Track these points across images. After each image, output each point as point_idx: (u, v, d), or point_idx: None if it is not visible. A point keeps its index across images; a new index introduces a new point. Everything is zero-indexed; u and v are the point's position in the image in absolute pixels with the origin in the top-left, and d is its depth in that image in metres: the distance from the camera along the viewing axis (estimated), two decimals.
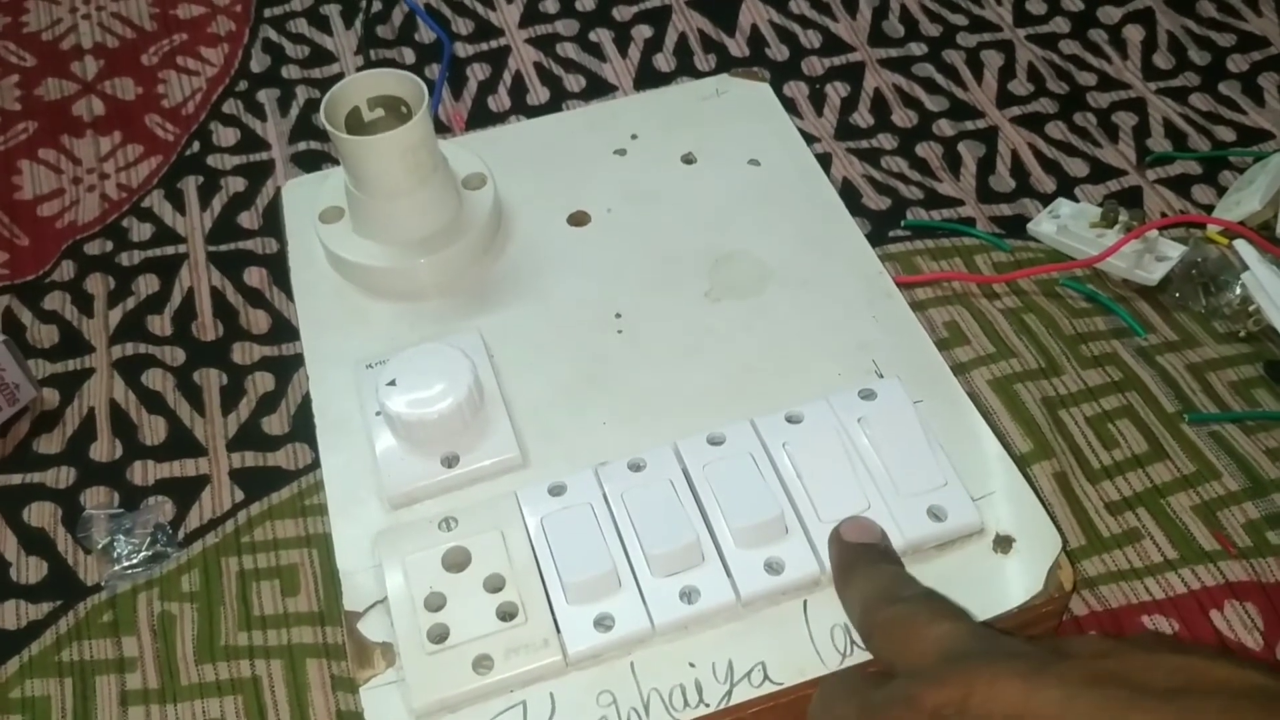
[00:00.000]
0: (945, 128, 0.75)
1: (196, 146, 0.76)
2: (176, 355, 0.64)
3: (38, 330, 0.66)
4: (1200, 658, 0.23)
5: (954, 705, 0.24)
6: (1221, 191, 0.70)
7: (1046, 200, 0.70)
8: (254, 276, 0.68)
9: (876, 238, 0.67)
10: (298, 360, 0.63)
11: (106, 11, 0.86)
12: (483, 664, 0.38)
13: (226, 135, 0.77)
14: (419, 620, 0.39)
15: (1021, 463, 0.54)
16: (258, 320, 0.66)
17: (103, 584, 0.55)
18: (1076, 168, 0.72)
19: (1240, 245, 0.63)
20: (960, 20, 0.82)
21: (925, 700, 0.25)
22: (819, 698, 0.31)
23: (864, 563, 0.35)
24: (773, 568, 0.39)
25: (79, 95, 0.81)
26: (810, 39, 0.81)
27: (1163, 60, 0.78)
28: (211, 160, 0.75)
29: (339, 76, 0.80)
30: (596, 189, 0.54)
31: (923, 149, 0.73)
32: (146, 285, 0.68)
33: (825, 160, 0.72)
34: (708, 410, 0.44)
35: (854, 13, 0.83)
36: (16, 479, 0.59)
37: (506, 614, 0.39)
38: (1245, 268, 0.62)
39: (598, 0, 0.85)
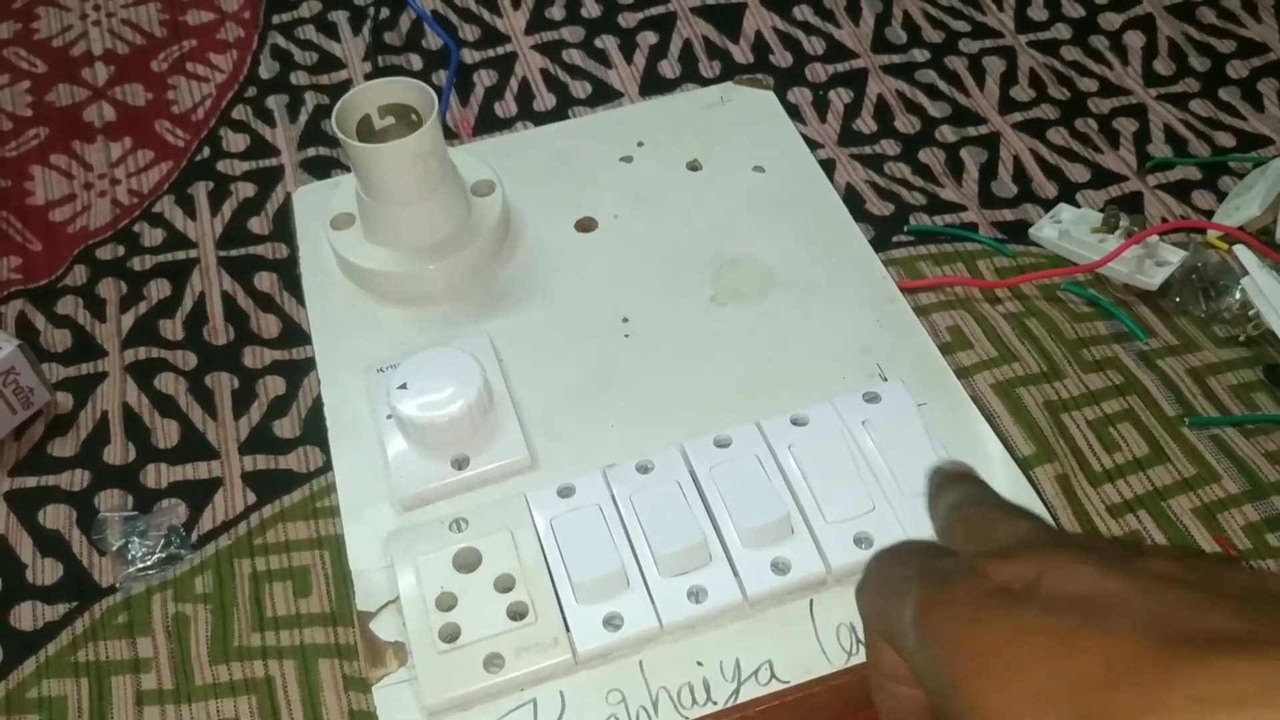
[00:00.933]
0: (948, 133, 0.75)
1: (206, 152, 0.77)
2: (188, 359, 0.65)
3: (51, 335, 0.67)
4: (1274, 575, 0.23)
5: (1023, 582, 0.23)
6: (1221, 197, 0.70)
7: (1048, 205, 0.70)
8: (264, 281, 0.69)
9: (880, 243, 0.68)
10: (308, 364, 0.64)
11: (117, 18, 0.87)
12: (493, 663, 0.38)
13: (236, 141, 0.77)
14: (430, 620, 0.39)
15: (1024, 465, 0.55)
16: (268, 325, 0.66)
17: (117, 585, 0.55)
18: (1078, 173, 0.72)
19: (1240, 250, 0.64)
20: (962, 27, 0.82)
21: (994, 573, 0.24)
22: (873, 563, 0.30)
23: (965, 481, 0.35)
24: (779, 568, 0.39)
25: (90, 101, 0.81)
26: (814, 45, 0.82)
27: (1163, 66, 0.79)
28: (221, 166, 0.76)
29: (347, 82, 0.81)
30: (603, 195, 0.54)
31: (925, 155, 0.74)
32: (158, 290, 0.69)
33: (829, 166, 0.73)
34: (714, 413, 0.45)
35: (857, 19, 0.83)
36: (31, 482, 0.60)
37: (517, 613, 0.39)
38: (1245, 272, 0.63)
39: (603, 7, 0.85)
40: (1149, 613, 0.21)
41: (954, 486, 0.35)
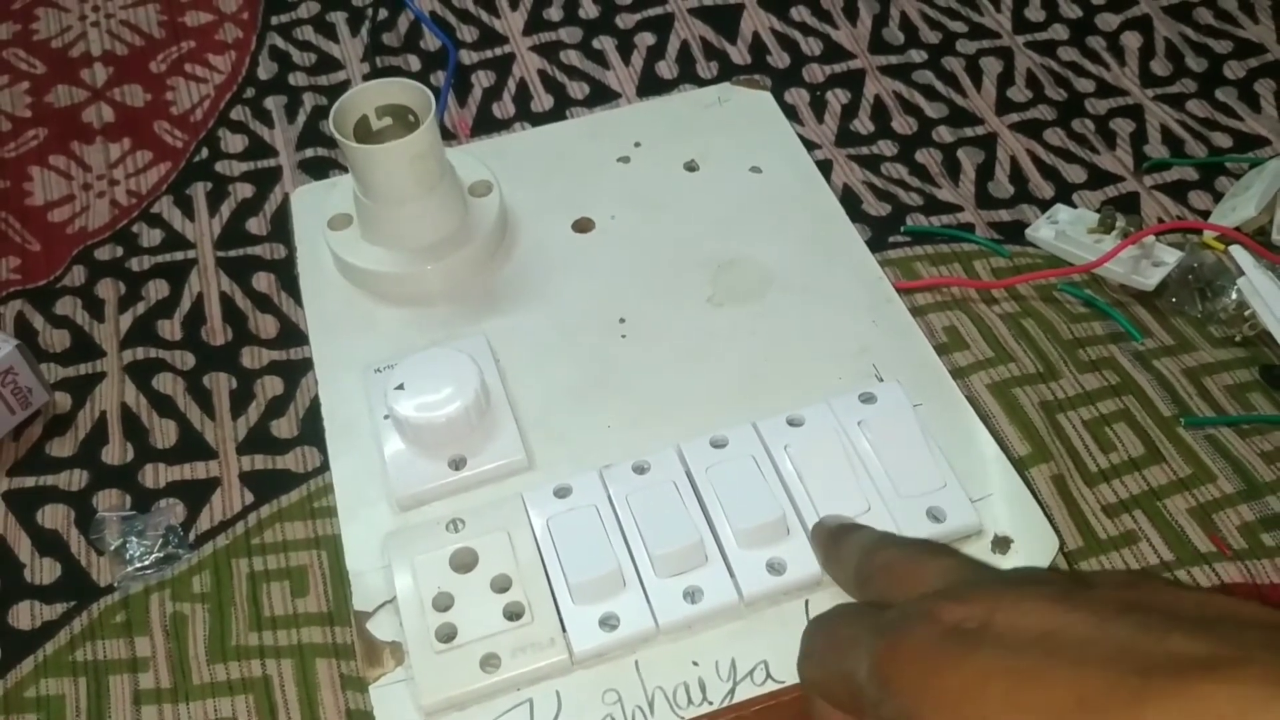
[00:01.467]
0: (945, 134, 0.75)
1: (205, 153, 0.77)
2: (186, 359, 0.65)
3: (49, 335, 0.67)
4: (1221, 596, 0.22)
5: (976, 620, 0.23)
6: (1218, 197, 0.70)
7: (1045, 206, 0.70)
8: (262, 282, 0.69)
9: (877, 243, 0.68)
10: (306, 364, 0.64)
11: (115, 19, 0.87)
12: (490, 663, 0.38)
13: (234, 142, 0.78)
14: (427, 620, 0.39)
15: (1020, 465, 0.55)
16: (266, 325, 0.67)
17: (115, 585, 0.55)
18: (1074, 174, 0.73)
19: (1236, 250, 0.64)
20: (959, 27, 0.82)
21: (945, 615, 0.24)
22: (814, 630, 0.29)
23: (855, 528, 0.35)
24: (775, 568, 0.39)
25: (89, 102, 0.81)
26: (811, 46, 0.82)
27: (1160, 67, 0.79)
28: (220, 166, 0.76)
29: (345, 83, 0.81)
30: (600, 196, 0.54)
31: (922, 155, 0.74)
32: (156, 290, 0.69)
33: (826, 167, 0.73)
34: (710, 413, 0.45)
35: (854, 20, 0.84)
36: (30, 482, 0.60)
37: (513, 614, 0.39)
38: (1241, 273, 0.63)
39: (601, 8, 0.85)
40: (1112, 643, 0.21)
41: (850, 532, 0.35)
